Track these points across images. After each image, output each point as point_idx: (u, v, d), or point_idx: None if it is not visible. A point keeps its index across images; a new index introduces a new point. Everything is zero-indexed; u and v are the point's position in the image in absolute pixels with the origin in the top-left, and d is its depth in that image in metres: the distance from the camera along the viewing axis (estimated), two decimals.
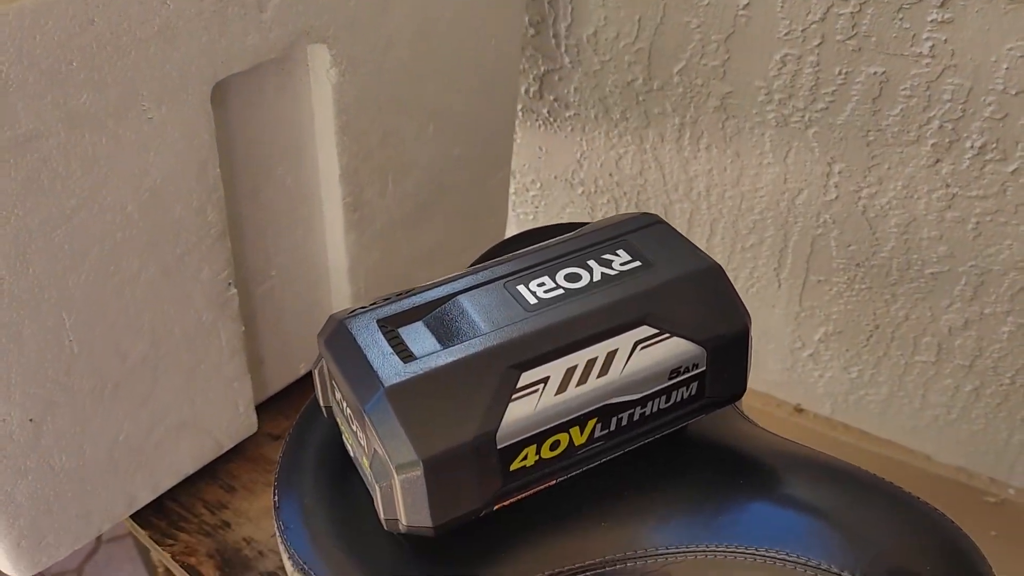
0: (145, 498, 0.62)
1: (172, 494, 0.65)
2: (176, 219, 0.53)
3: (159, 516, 0.64)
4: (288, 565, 0.44)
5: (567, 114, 0.86)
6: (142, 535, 0.64)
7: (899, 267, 0.80)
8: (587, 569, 0.43)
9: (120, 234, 0.51)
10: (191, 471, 0.64)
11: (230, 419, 0.65)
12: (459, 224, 0.75)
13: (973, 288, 0.78)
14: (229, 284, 0.59)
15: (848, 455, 0.97)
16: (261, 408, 0.69)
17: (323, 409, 0.45)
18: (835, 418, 0.96)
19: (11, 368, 0.49)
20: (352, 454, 0.44)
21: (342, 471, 0.47)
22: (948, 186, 0.73)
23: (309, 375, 0.73)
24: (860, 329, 0.87)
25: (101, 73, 0.45)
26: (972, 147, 0.69)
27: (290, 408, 0.72)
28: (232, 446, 0.67)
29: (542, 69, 0.83)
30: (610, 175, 0.88)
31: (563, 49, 0.81)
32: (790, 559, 0.40)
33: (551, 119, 0.87)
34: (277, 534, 0.45)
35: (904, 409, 0.91)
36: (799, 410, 0.98)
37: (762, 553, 0.41)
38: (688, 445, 0.46)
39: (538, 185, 0.94)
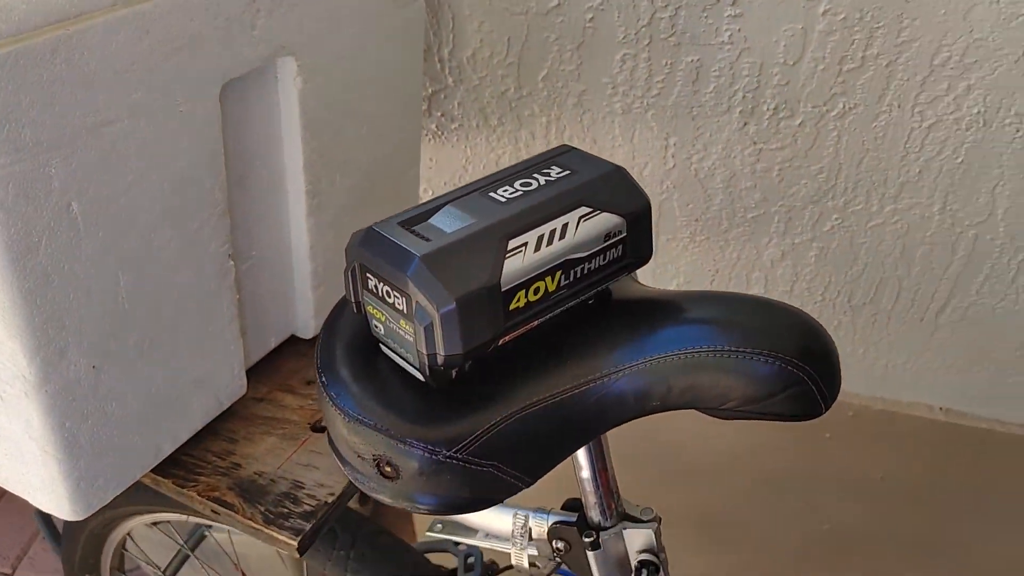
0: (167, 449, 0.74)
1: (184, 449, 0.76)
2: (195, 197, 0.67)
3: (177, 467, 0.76)
4: (338, 424, 0.59)
5: (452, 127, 1.04)
6: (166, 484, 0.75)
7: (727, 216, 1.03)
8: (562, 394, 0.60)
9: (159, 207, 0.64)
10: (200, 426, 0.76)
11: (228, 380, 0.77)
12: (386, 212, 0.91)
13: (784, 224, 1.01)
14: (228, 256, 0.73)
15: None
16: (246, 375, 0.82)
17: (353, 304, 0.60)
18: None
19: (82, 319, 0.62)
20: (382, 332, 0.59)
21: (370, 354, 0.61)
22: (755, 143, 0.96)
23: (278, 348, 0.86)
24: (704, 275, 1.09)
25: (152, 73, 0.60)
26: (768, 109, 0.93)
27: (267, 376, 0.85)
28: (229, 405, 0.79)
29: (430, 90, 1.02)
30: None
31: (447, 71, 1.00)
32: (700, 351, 0.59)
33: (439, 132, 1.05)
34: (325, 403, 0.59)
35: None
36: None
37: (682, 352, 0.59)
38: (616, 303, 0.65)
39: (430, 192, 1.11)
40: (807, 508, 1.29)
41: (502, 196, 0.60)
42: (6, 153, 0.53)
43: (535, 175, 0.62)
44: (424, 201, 0.61)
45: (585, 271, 0.60)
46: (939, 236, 0.98)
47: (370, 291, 0.59)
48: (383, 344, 0.60)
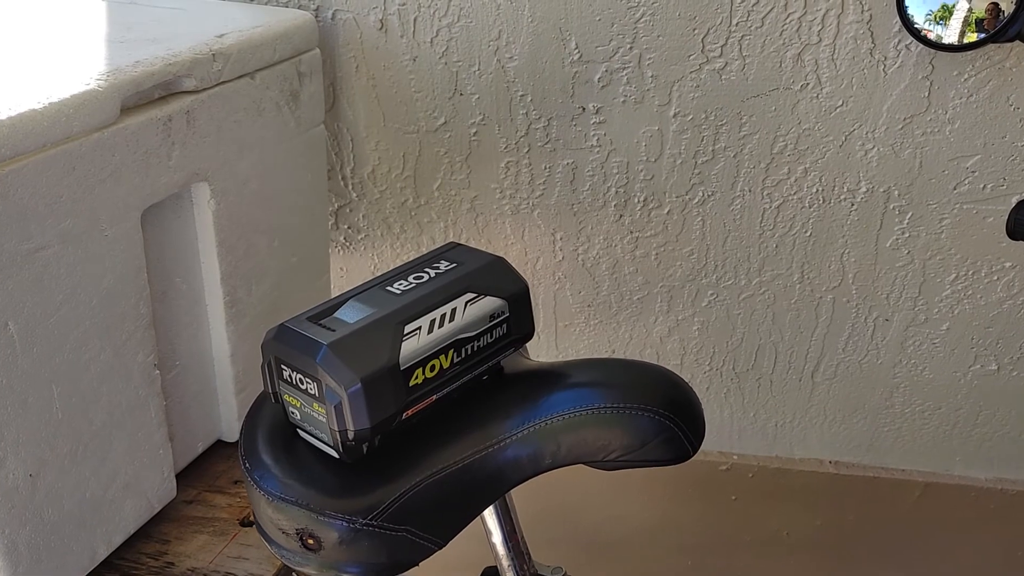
0: (103, 553, 0.78)
1: (118, 553, 0.81)
2: (122, 312, 0.74)
3: (111, 571, 0.80)
4: (263, 505, 0.65)
5: (359, 237, 1.13)
6: None
7: (616, 300, 1.13)
8: (463, 460, 0.67)
9: (88, 322, 0.71)
10: (133, 529, 0.81)
11: (159, 483, 0.83)
12: None
13: (667, 303, 1.12)
14: (154, 366, 0.79)
15: None
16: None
17: (271, 395, 0.68)
18: None
19: (19, 430, 0.67)
20: (298, 418, 0.66)
21: (289, 439, 0.68)
22: (632, 232, 1.07)
23: (206, 453, 0.92)
24: (602, 355, 1.18)
25: (78, 203, 0.68)
26: (639, 201, 1.04)
27: (196, 479, 0.90)
28: (160, 508, 0.84)
29: (336, 205, 1.11)
30: None
31: (350, 187, 1.09)
32: (582, 410, 0.67)
33: (347, 244, 1.14)
34: (250, 487, 0.66)
35: None
36: None
37: (566, 413, 0.68)
38: (507, 375, 0.73)
39: None
40: (727, 570, 1.36)
41: (398, 289, 0.69)
42: None
43: (426, 269, 0.71)
44: (330, 299, 0.69)
45: (475, 348, 0.69)
46: (802, 302, 1.09)
47: (285, 380, 0.66)
48: (300, 429, 0.67)
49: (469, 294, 0.69)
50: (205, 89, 0.78)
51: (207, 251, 0.84)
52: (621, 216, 1.06)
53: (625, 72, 0.97)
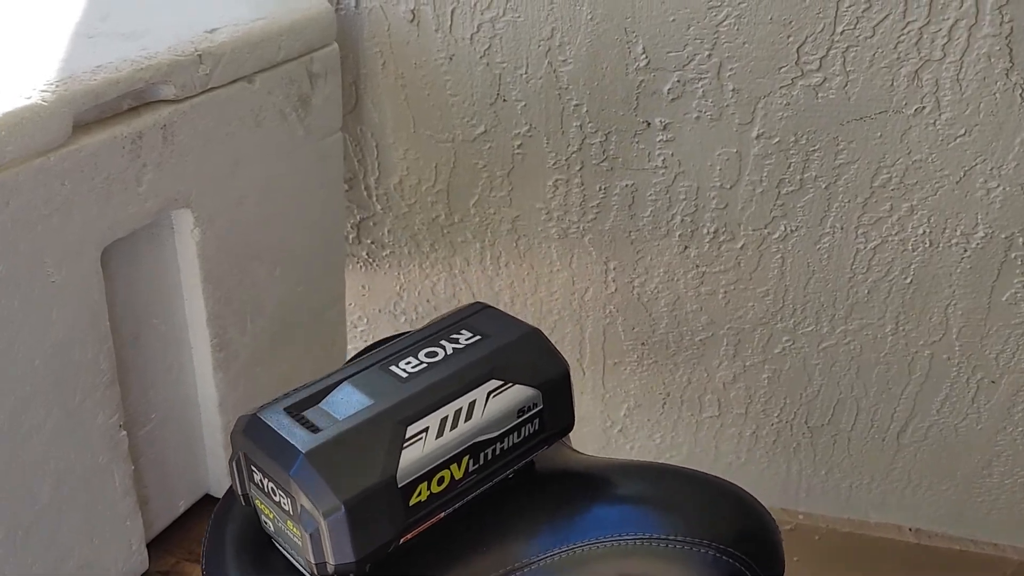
0: None
1: None
2: (75, 369, 0.61)
3: None
4: None
5: (383, 253, 0.99)
6: None
7: (674, 339, 0.98)
8: None
9: (29, 385, 0.58)
10: None
11: (125, 557, 0.70)
12: (307, 354, 0.85)
13: (734, 347, 0.97)
14: (120, 427, 0.66)
15: None
16: (148, 547, 0.75)
17: (240, 497, 0.54)
18: None
19: None
20: (273, 531, 0.53)
21: (261, 551, 0.55)
22: (698, 267, 0.91)
23: (189, 512, 0.79)
24: (655, 399, 1.04)
25: (15, 244, 0.54)
26: (708, 232, 0.89)
27: (174, 545, 0.78)
28: None
29: (358, 218, 0.97)
30: (428, 301, 1.02)
31: (374, 199, 0.95)
32: (628, 538, 0.53)
33: (370, 260, 1.00)
34: None
35: (703, 462, 1.08)
36: None
37: (608, 539, 0.53)
38: (537, 475, 0.59)
39: (365, 320, 1.06)
40: None
41: (403, 371, 0.54)
42: None
43: (443, 341, 0.57)
44: (322, 376, 0.55)
45: (496, 452, 0.55)
46: (894, 356, 0.93)
47: (256, 485, 0.53)
48: (274, 540, 0.54)
49: (493, 381, 0.54)
50: (188, 98, 0.64)
51: (190, 287, 0.70)
52: (686, 248, 0.90)
53: (701, 84, 0.81)
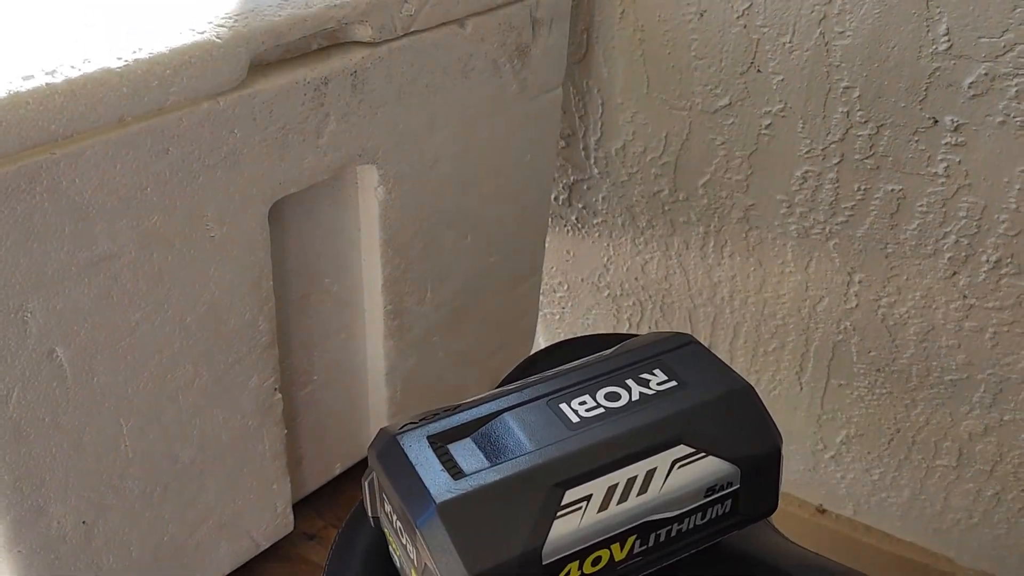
0: None
1: None
2: (230, 330, 0.56)
3: None
4: None
5: (594, 221, 0.89)
6: None
7: (919, 373, 0.82)
8: None
9: (178, 344, 0.53)
10: (228, 571, 0.66)
11: (268, 520, 0.67)
12: (491, 329, 0.77)
13: (992, 395, 0.80)
14: (275, 390, 0.61)
15: (870, 556, 0.98)
16: (296, 506, 0.71)
17: (371, 519, 0.47)
18: (857, 519, 0.96)
19: (69, 473, 0.52)
20: (398, 564, 0.46)
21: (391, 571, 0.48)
22: (965, 297, 0.75)
23: (345, 474, 0.75)
24: (881, 432, 0.89)
25: (172, 197, 0.49)
26: (988, 261, 0.72)
27: (325, 507, 0.74)
28: (268, 546, 0.68)
29: (571, 179, 0.87)
30: (635, 279, 0.91)
31: (592, 161, 0.85)
32: None
33: (579, 225, 0.90)
34: None
35: (926, 512, 0.92)
36: (821, 511, 0.99)
37: None
38: (721, 558, 0.48)
39: (565, 287, 0.96)
40: None
41: (575, 413, 0.45)
42: None
43: (629, 380, 0.46)
44: (475, 397, 0.47)
45: (672, 534, 0.44)
46: None
47: (387, 515, 0.45)
48: (400, 572, 0.47)
49: (682, 448, 0.44)
50: (386, 41, 0.56)
51: (369, 249, 0.63)
52: (955, 274, 0.74)
53: (1017, 81, 0.63)
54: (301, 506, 0.72)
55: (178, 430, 0.56)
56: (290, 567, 0.69)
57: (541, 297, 1.00)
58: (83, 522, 0.54)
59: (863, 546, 0.97)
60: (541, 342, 1.03)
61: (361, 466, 0.76)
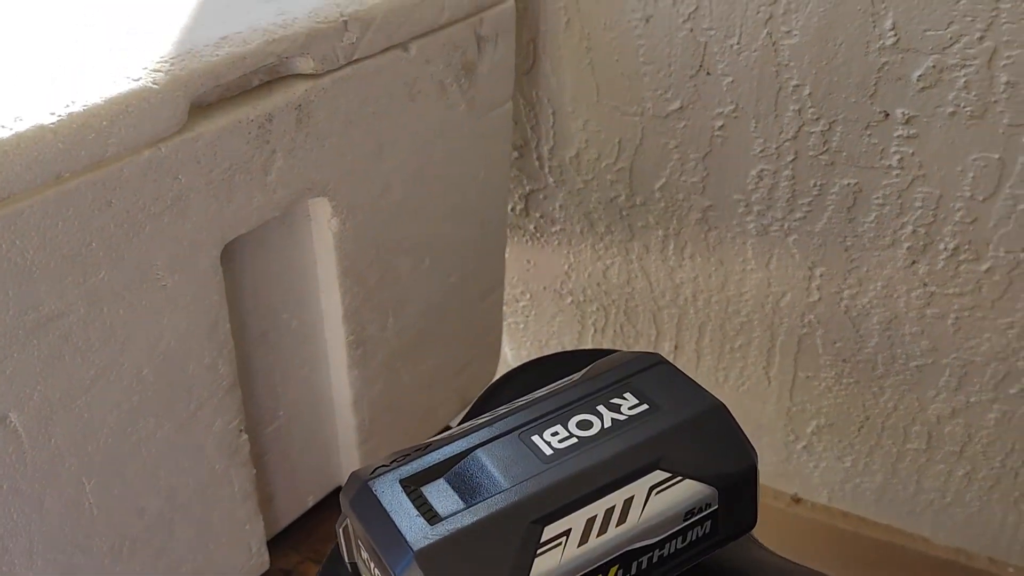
0: None
1: None
2: (189, 376, 0.55)
3: None
4: None
5: (553, 229, 0.88)
6: None
7: (884, 361, 0.83)
8: None
9: (136, 398, 0.52)
10: None
11: (243, 561, 0.65)
12: (457, 347, 0.76)
13: (957, 379, 0.80)
14: (240, 431, 0.60)
15: (848, 541, 0.98)
16: (271, 543, 0.69)
17: (348, 565, 0.46)
18: (833, 506, 0.97)
19: (33, 537, 0.50)
20: None
21: None
22: (926, 285, 0.75)
23: (319, 506, 0.74)
24: (851, 421, 0.89)
25: (119, 250, 0.47)
26: (946, 248, 0.72)
27: (301, 542, 0.72)
28: None
29: (527, 189, 0.86)
30: (598, 285, 0.90)
31: (547, 170, 0.84)
32: None
33: (538, 234, 0.90)
34: None
35: (900, 495, 0.93)
36: (797, 500, 0.99)
37: None
38: (707, 571, 0.48)
39: (528, 296, 0.96)
40: None
41: (548, 445, 0.44)
42: None
43: (600, 407, 0.46)
44: (443, 433, 0.46)
45: (654, 560, 0.44)
46: None
47: (364, 562, 0.44)
48: None
49: (659, 473, 0.43)
50: (330, 72, 0.54)
51: (326, 281, 0.62)
52: (914, 263, 0.74)
53: (965, 72, 0.64)
54: (276, 542, 0.71)
55: (143, 483, 0.55)
56: None
57: (504, 308, 0.99)
58: None
59: (840, 532, 0.98)
60: (507, 351, 1.02)
61: (333, 497, 0.75)
